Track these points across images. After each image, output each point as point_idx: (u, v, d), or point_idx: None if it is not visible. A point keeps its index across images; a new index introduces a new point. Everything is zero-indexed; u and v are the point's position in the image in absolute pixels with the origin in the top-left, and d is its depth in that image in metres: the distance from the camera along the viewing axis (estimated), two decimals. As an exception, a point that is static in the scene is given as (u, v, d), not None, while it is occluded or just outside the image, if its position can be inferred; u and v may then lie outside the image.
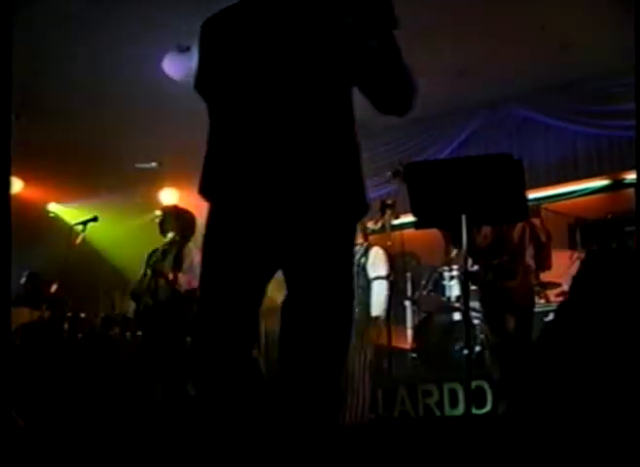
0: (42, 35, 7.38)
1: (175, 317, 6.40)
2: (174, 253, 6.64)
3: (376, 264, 5.87)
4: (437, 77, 8.32)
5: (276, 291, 8.18)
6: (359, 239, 6.09)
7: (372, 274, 5.83)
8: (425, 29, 7.45)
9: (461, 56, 7.99)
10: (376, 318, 5.72)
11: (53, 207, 10.23)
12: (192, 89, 2.68)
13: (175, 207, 7.16)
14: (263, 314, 8.18)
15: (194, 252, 6.65)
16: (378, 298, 5.75)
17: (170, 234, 6.74)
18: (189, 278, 6.57)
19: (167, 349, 6.40)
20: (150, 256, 6.86)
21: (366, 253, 5.91)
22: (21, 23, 6.52)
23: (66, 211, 10.00)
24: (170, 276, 6.51)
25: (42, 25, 7.24)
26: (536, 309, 6.61)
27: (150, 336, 6.42)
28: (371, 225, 5.95)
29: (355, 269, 5.80)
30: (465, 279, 4.63)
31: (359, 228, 6.12)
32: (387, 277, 5.78)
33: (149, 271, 6.68)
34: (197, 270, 6.56)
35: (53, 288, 6.60)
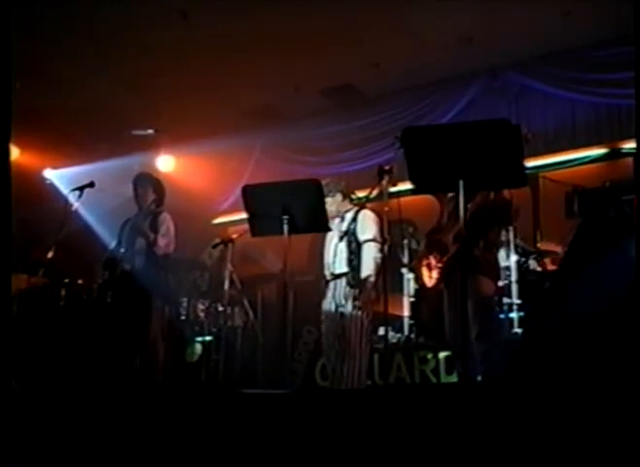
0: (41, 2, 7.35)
1: (152, 280, 6.47)
2: (150, 219, 6.69)
3: (364, 227, 5.88)
4: (437, 44, 8.30)
5: (272, 259, 8.23)
6: (348, 206, 6.10)
7: (361, 238, 5.84)
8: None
9: (461, 24, 7.95)
10: (366, 279, 5.73)
11: (50, 174, 10.19)
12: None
13: (151, 175, 7.18)
14: (258, 282, 8.22)
15: (168, 220, 6.71)
16: (367, 259, 5.76)
17: (151, 204, 6.80)
18: (167, 241, 6.63)
19: (145, 313, 6.46)
20: (123, 225, 6.90)
21: (355, 218, 5.91)
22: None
23: (63, 177, 9.97)
24: (150, 236, 6.58)
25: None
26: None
27: (128, 299, 6.47)
28: (361, 194, 5.95)
29: (345, 235, 5.82)
30: (463, 247, 4.63)
31: (344, 196, 6.14)
32: (375, 240, 5.78)
33: (124, 239, 6.76)
34: (173, 237, 6.66)
35: (50, 254, 6.58)
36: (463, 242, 4.61)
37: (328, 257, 6.04)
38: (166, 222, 6.71)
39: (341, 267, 5.89)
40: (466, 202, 4.11)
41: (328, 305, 5.95)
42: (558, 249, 6.92)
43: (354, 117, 9.89)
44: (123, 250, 6.72)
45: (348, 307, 5.77)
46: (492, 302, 5.77)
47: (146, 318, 6.45)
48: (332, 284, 5.96)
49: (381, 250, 5.68)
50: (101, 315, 6.73)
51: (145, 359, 6.44)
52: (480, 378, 4.93)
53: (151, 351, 6.47)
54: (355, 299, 5.72)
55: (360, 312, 5.75)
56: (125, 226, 6.88)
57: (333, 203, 6.04)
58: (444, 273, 5.47)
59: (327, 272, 6.03)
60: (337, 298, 5.87)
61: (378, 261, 5.69)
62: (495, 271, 5.60)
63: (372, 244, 5.80)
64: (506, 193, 5.26)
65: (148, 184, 6.87)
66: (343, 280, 5.87)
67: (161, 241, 6.59)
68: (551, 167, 8.41)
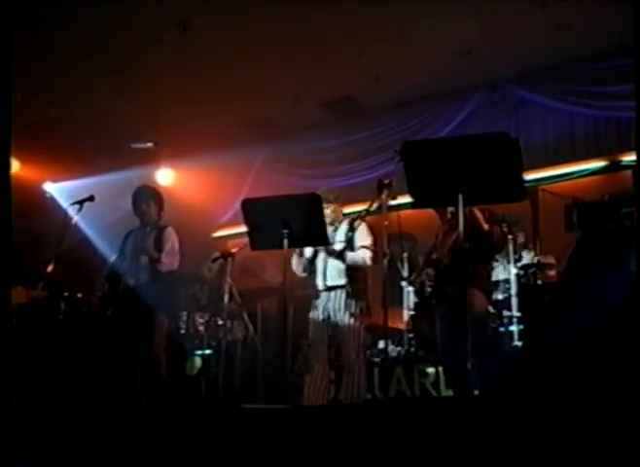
0: (40, 14, 7.36)
1: (156, 296, 6.42)
2: (155, 235, 6.64)
3: (363, 235, 5.89)
4: (437, 57, 8.31)
5: (272, 273, 8.20)
6: (340, 216, 6.12)
7: (358, 244, 5.83)
8: (424, 9, 7.43)
9: (461, 37, 7.96)
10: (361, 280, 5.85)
11: (50, 187, 10.19)
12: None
13: (153, 189, 7.13)
14: (258, 295, 8.16)
15: (173, 235, 6.66)
16: (362, 257, 5.79)
17: (156, 219, 6.74)
18: (171, 259, 6.59)
19: (149, 329, 6.43)
20: (126, 238, 6.85)
21: (352, 227, 5.87)
22: (20, 4, 6.50)
23: (62, 190, 9.97)
24: (154, 255, 6.53)
25: (40, 5, 7.22)
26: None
27: (130, 315, 6.43)
28: (360, 207, 5.96)
29: (344, 244, 5.82)
30: (462, 259, 4.62)
31: (338, 210, 6.16)
32: (370, 248, 5.84)
33: (127, 253, 6.71)
34: (177, 253, 6.61)
35: (50, 268, 6.57)
36: (455, 256, 4.61)
37: (320, 267, 6.01)
38: (171, 238, 6.66)
39: (335, 279, 5.89)
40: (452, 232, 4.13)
41: (317, 315, 5.93)
42: (558, 262, 6.93)
43: (354, 130, 9.91)
44: (126, 264, 6.69)
45: (345, 319, 5.77)
46: (485, 316, 5.78)
47: (149, 333, 6.42)
48: (324, 295, 5.94)
49: (373, 259, 5.74)
50: (101, 329, 6.72)
51: (148, 374, 6.41)
52: (476, 393, 4.92)
53: (154, 366, 6.44)
54: (353, 313, 5.74)
55: (356, 323, 5.75)
56: (128, 239, 6.83)
57: (335, 210, 6.06)
58: (436, 288, 5.48)
59: (319, 283, 6.01)
60: (331, 310, 5.85)
61: (369, 262, 5.79)
62: (488, 285, 5.62)
63: (367, 251, 5.82)
64: (485, 227, 5.28)
65: (151, 198, 6.81)
66: (338, 292, 5.86)
67: (165, 259, 6.54)
68: (550, 180, 8.42)
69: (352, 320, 5.75)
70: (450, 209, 5.37)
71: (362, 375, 5.77)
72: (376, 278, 5.81)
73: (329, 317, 5.85)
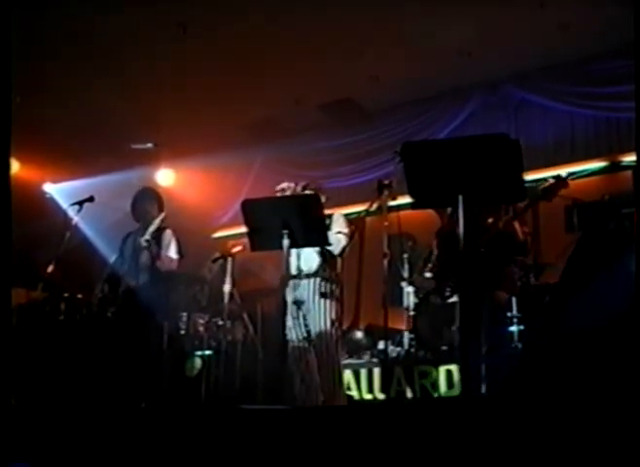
0: (40, 14, 7.36)
1: (155, 297, 6.42)
2: (155, 236, 6.64)
3: (340, 223, 5.81)
4: (436, 57, 8.31)
5: (271, 273, 8.18)
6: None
7: (335, 230, 5.74)
8: (423, 10, 7.43)
9: (461, 37, 7.96)
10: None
11: (49, 188, 10.19)
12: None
13: (155, 191, 7.12)
14: (258, 296, 8.13)
15: (172, 237, 6.67)
16: (337, 238, 5.72)
17: (157, 219, 6.71)
18: (169, 260, 6.60)
19: (148, 330, 6.43)
20: (125, 239, 6.86)
21: (328, 216, 5.77)
22: (20, 4, 6.50)
23: (62, 191, 9.97)
24: (154, 251, 6.53)
25: (40, 5, 7.22)
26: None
27: (131, 316, 6.43)
28: (360, 208, 5.93)
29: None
30: (462, 260, 4.62)
31: None
32: (346, 235, 5.78)
33: (126, 254, 6.71)
34: (176, 255, 6.59)
35: (50, 269, 6.57)
36: (462, 255, 4.60)
37: (294, 256, 5.89)
38: (170, 239, 6.68)
39: (310, 263, 5.83)
40: (478, 224, 4.11)
41: (290, 305, 5.84)
42: (558, 263, 6.92)
43: (353, 131, 9.91)
44: (125, 266, 6.70)
45: (317, 307, 5.71)
46: (505, 315, 5.79)
47: (149, 334, 6.43)
48: (294, 283, 5.84)
49: (347, 245, 5.74)
50: (101, 330, 6.72)
51: (147, 375, 6.41)
52: (484, 391, 4.92)
53: (153, 367, 6.44)
54: (327, 294, 5.69)
55: (331, 312, 5.70)
56: (127, 240, 6.85)
57: None
58: (457, 289, 5.48)
59: (290, 268, 5.88)
60: (301, 298, 5.79)
61: (344, 242, 5.71)
62: (515, 288, 5.63)
63: (342, 236, 5.77)
64: (522, 237, 5.29)
65: (154, 198, 6.83)
66: (312, 280, 5.80)
67: (165, 258, 6.56)
68: (550, 181, 8.41)
69: (326, 307, 5.71)
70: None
71: (336, 368, 5.71)
72: (376, 278, 5.79)
73: (300, 308, 5.79)
